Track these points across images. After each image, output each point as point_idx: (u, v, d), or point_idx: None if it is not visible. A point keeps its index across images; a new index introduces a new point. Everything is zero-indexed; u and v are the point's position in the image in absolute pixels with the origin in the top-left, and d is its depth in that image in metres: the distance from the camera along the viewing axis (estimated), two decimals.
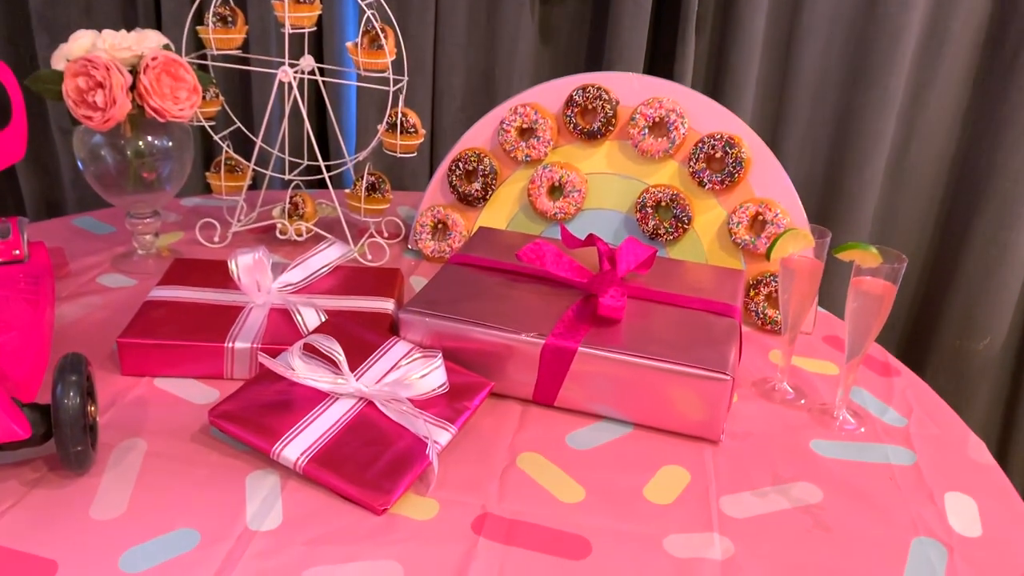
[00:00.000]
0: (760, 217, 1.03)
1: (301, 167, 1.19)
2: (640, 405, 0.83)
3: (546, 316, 0.87)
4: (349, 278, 0.99)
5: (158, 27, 1.45)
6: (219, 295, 0.94)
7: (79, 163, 1.03)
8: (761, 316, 1.03)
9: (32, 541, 0.66)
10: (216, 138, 1.13)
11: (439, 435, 0.77)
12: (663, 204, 1.06)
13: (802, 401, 0.91)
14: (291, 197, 1.16)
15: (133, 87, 0.94)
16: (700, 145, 1.04)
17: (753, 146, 1.04)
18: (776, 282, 1.02)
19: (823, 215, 1.43)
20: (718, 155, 1.03)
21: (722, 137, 1.03)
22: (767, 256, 0.85)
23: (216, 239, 1.16)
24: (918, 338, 1.50)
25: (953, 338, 1.46)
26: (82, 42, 0.96)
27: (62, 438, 0.69)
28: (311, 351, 0.81)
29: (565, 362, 0.83)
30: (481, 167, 1.11)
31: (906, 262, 0.80)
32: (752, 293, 1.03)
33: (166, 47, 0.99)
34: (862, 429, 0.87)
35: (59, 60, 0.96)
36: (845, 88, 1.39)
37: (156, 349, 0.86)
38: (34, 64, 1.49)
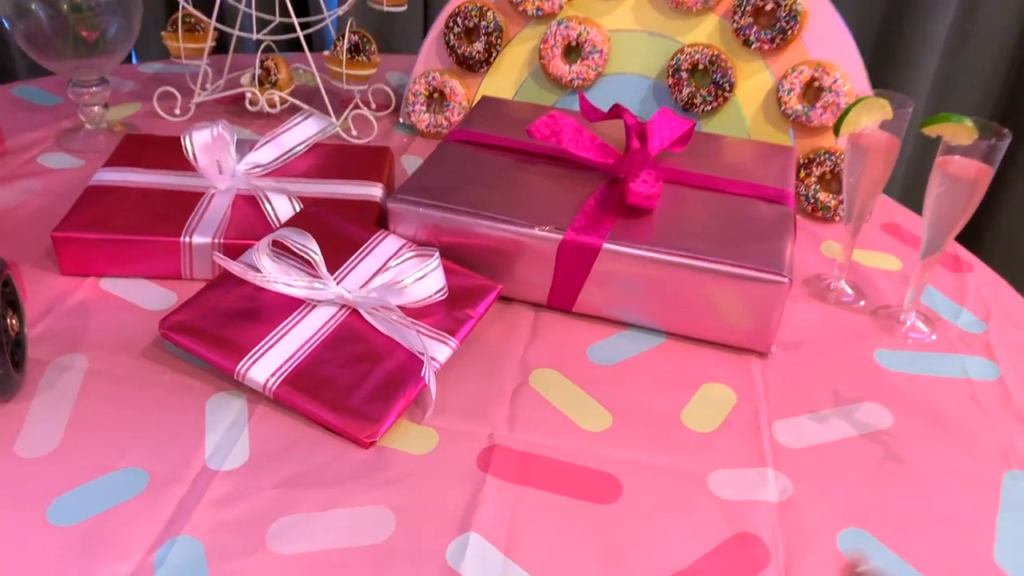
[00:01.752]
0: (815, 83, 0.86)
1: (273, 24, 1.01)
2: (676, 311, 0.70)
3: (564, 205, 0.73)
4: (330, 158, 0.84)
5: None
6: (175, 179, 0.79)
7: (3, 21, 0.86)
8: (812, 201, 0.89)
9: None
10: None
11: (437, 350, 0.64)
12: (700, 68, 0.90)
13: (861, 303, 0.77)
14: (262, 61, 0.99)
15: None
16: None
17: None
18: (832, 161, 0.87)
19: (877, 72, 1.24)
20: (768, 7, 0.86)
21: None
22: (835, 131, 0.70)
23: (177, 111, 1.00)
24: (972, 223, 1.35)
25: (1011, 222, 1.31)
26: None
27: None
28: (282, 248, 0.67)
29: (587, 261, 0.69)
30: (484, 23, 0.93)
31: (1009, 138, 0.65)
32: (802, 174, 0.88)
33: None
34: (933, 336, 0.74)
35: None
36: None
37: (99, 245, 0.72)
38: None
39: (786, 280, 0.66)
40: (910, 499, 0.58)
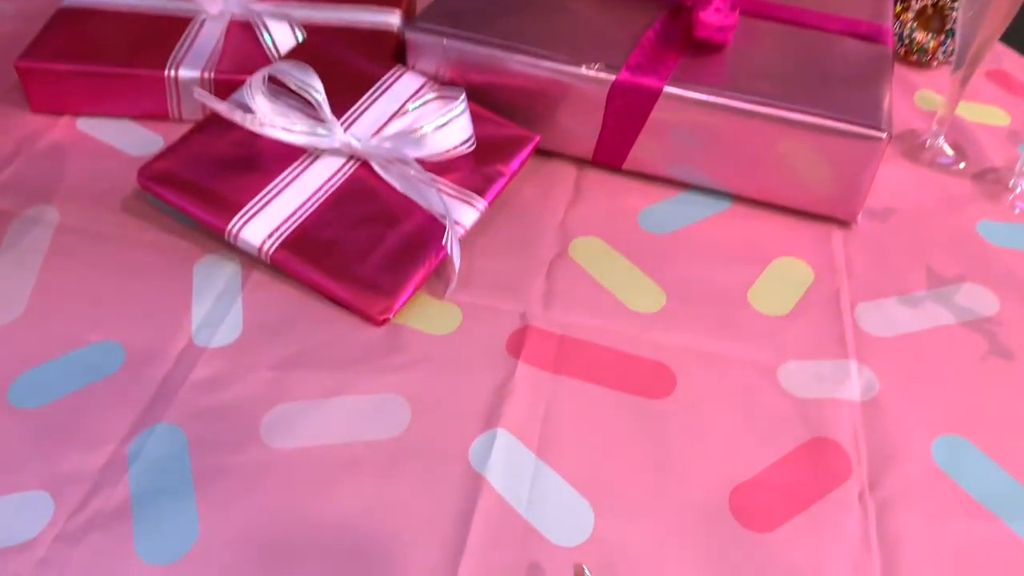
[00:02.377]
0: None
1: None
2: (746, 170, 0.59)
3: (617, 38, 0.61)
4: None
5: None
6: (161, 1, 0.67)
7: None
8: (907, 41, 0.75)
9: None
10: None
11: (462, 212, 0.55)
12: None
13: (962, 165, 0.66)
14: None
15: None
16: None
17: None
18: None
19: None
20: None
21: None
22: None
23: None
24: None
25: None
26: None
27: None
28: (280, 86, 0.57)
29: (643, 107, 0.58)
30: None
31: None
32: (898, 8, 0.74)
33: None
34: None
35: None
36: None
37: (72, 78, 0.62)
38: None
39: (883, 136, 0.55)
40: (1018, 399, 0.49)
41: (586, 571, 0.39)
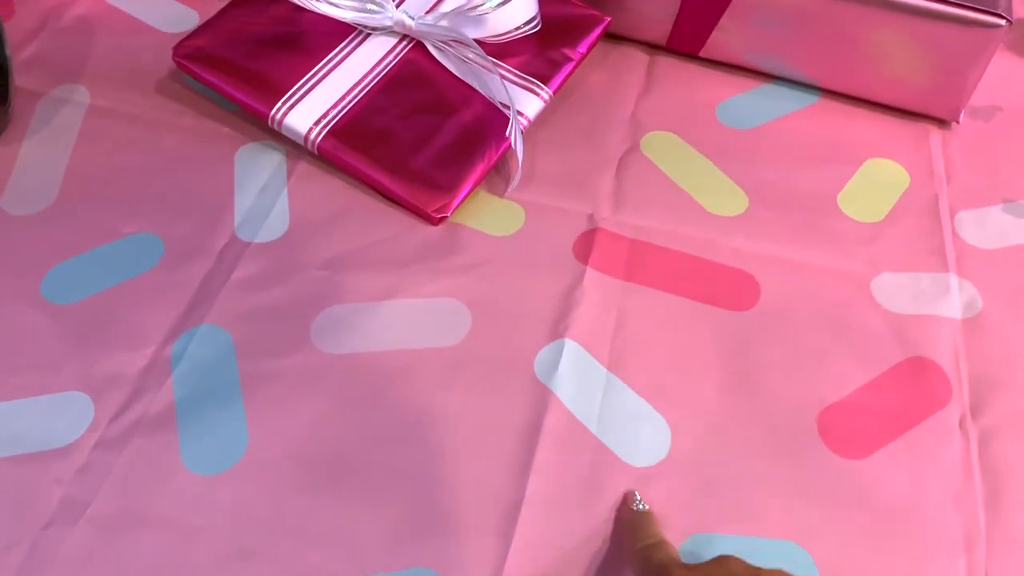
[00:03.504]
0: None
1: None
2: (837, 60, 0.53)
3: None
4: None
5: None
6: None
7: None
8: None
9: None
10: None
11: (525, 101, 0.50)
12: None
13: None
14: None
15: None
16: None
17: None
18: None
19: None
20: None
21: None
22: None
23: None
24: None
25: None
26: None
27: None
28: None
29: None
30: None
31: None
32: None
33: None
34: None
35: None
36: None
37: None
38: None
39: (1004, 23, 0.49)
40: None
41: (637, 498, 0.36)
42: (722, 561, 0.31)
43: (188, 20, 0.57)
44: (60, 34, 0.55)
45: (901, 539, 0.37)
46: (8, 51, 0.50)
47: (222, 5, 0.53)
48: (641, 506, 0.36)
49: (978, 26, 0.49)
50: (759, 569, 0.30)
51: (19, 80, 0.51)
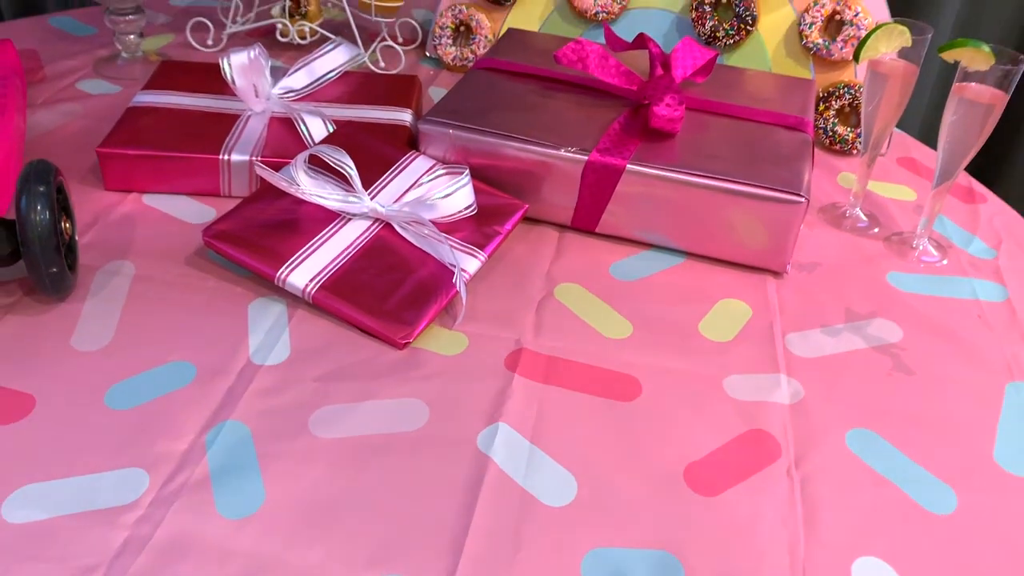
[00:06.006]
0: (837, 17, 0.88)
1: None
2: (695, 232, 0.73)
3: (589, 128, 0.75)
4: (359, 86, 0.87)
5: None
6: (213, 101, 0.82)
7: None
8: (830, 134, 0.90)
9: (6, 373, 0.58)
10: None
11: (467, 262, 0.67)
12: (723, 1, 0.91)
13: (876, 230, 0.80)
14: None
15: None
16: None
17: None
18: (851, 94, 0.88)
19: (900, 13, 1.25)
20: None
21: None
22: (855, 57, 0.72)
23: (209, 42, 1.02)
24: (993, 159, 1.35)
25: None
26: None
27: (32, 257, 0.59)
28: (318, 165, 0.70)
29: (610, 182, 0.72)
30: None
31: None
32: (821, 107, 0.90)
33: None
34: (945, 261, 0.76)
35: None
36: None
37: (142, 161, 0.75)
38: None
39: (803, 200, 0.69)
40: (916, 403, 0.61)
41: None
42: None
43: (207, 214, 0.75)
44: (110, 226, 0.72)
45: (745, 548, 0.51)
46: (76, 235, 0.66)
47: (233, 203, 0.71)
48: None
49: (788, 203, 0.69)
50: None
51: (82, 258, 0.68)
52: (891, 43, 0.71)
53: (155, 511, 0.50)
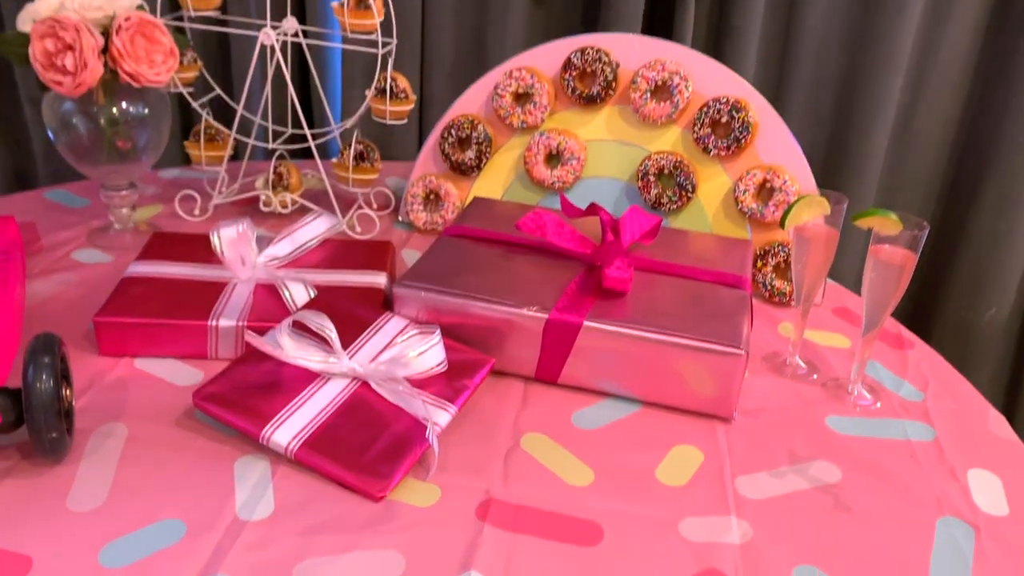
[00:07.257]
0: (767, 184, 0.98)
1: (285, 135, 1.13)
2: (649, 382, 0.79)
3: (548, 289, 0.83)
4: (338, 251, 0.94)
5: None
6: (201, 271, 0.88)
7: (49, 133, 0.97)
8: (769, 288, 0.99)
9: (4, 535, 0.61)
10: (195, 105, 1.07)
11: (438, 416, 0.73)
12: (666, 172, 1.02)
13: (815, 376, 0.87)
14: (275, 167, 1.11)
15: (105, 50, 0.89)
16: (705, 109, 0.99)
17: (759, 110, 0.99)
18: (785, 252, 0.98)
19: (827, 182, 1.38)
20: (724, 119, 0.99)
21: (728, 101, 0.98)
22: (781, 224, 0.81)
23: (196, 212, 1.10)
24: (923, 308, 1.47)
25: (959, 308, 1.42)
26: (49, 2, 0.90)
27: (35, 424, 0.64)
28: (300, 328, 0.76)
29: (569, 337, 0.79)
30: (475, 134, 1.05)
31: (927, 229, 0.76)
32: (759, 264, 0.99)
33: (140, 7, 0.93)
34: (878, 404, 0.83)
35: (25, 21, 0.90)
36: (850, 48, 1.34)
37: (135, 328, 0.81)
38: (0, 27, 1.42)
39: (742, 352, 0.76)
40: (856, 541, 0.67)
41: None
42: None
43: (195, 377, 0.80)
44: (104, 389, 0.77)
45: None
46: (73, 401, 0.71)
47: (219, 365, 0.77)
48: None
49: (729, 355, 0.76)
50: None
51: (77, 422, 0.72)
52: (812, 212, 0.81)
53: None
